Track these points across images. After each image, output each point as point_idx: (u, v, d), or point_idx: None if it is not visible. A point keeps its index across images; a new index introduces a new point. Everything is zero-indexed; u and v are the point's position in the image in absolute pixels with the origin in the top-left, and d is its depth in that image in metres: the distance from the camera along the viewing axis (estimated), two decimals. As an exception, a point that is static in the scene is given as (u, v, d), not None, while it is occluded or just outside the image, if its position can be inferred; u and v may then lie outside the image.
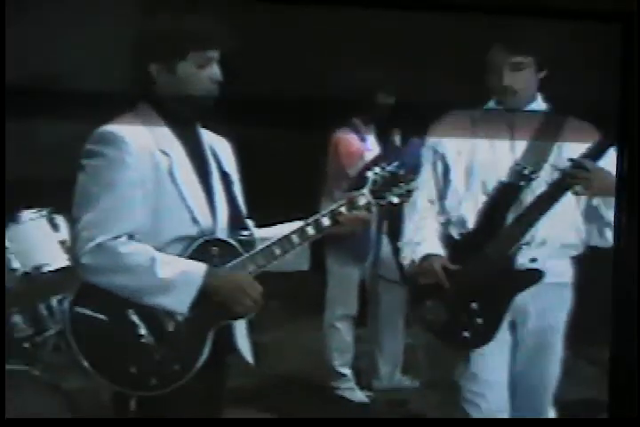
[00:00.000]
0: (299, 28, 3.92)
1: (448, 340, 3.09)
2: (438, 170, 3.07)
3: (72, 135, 2.75)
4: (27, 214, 3.40)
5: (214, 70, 2.53)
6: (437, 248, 3.04)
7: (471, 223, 3.00)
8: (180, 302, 2.42)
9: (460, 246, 3.02)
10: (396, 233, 4.51)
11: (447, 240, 3.06)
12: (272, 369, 4.12)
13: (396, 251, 4.45)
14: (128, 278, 2.40)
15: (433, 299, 3.03)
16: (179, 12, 2.57)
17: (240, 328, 2.58)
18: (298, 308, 4.58)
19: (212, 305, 2.46)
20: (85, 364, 2.42)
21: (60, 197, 3.07)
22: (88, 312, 2.44)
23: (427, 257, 3.01)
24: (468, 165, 3.03)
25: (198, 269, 2.44)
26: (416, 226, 3.07)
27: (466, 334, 3.01)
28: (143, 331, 2.43)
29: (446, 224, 3.06)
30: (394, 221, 4.46)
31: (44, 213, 3.42)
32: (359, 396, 4.41)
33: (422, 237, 3.05)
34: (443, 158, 3.06)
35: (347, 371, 4.45)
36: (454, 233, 3.04)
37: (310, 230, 2.56)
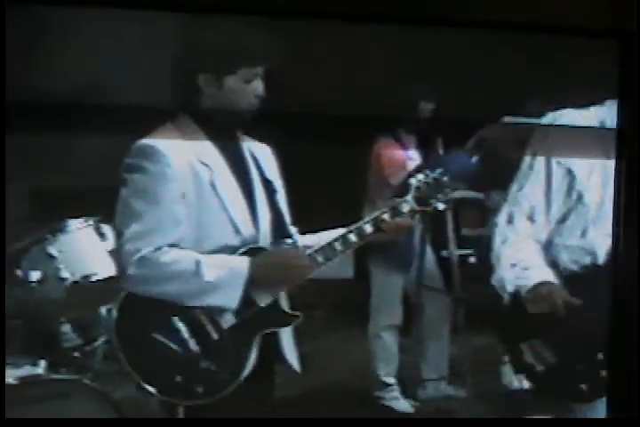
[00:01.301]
0: (341, 40, 3.94)
1: (554, 389, 2.76)
2: (558, 189, 2.82)
3: (118, 144, 2.79)
4: (74, 224, 3.42)
5: (258, 86, 2.58)
6: (550, 276, 2.78)
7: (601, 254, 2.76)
8: (229, 299, 2.46)
9: (578, 279, 2.77)
10: (439, 242, 4.55)
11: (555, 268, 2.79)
12: (316, 379, 4.12)
13: (440, 260, 4.50)
14: (175, 285, 2.46)
15: (540, 337, 2.76)
16: (233, 25, 2.62)
17: (286, 337, 2.61)
18: (342, 318, 4.58)
19: (260, 309, 2.49)
20: (133, 373, 2.47)
21: (106, 206, 3.14)
22: (134, 321, 2.49)
23: (542, 284, 2.75)
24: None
25: (242, 262, 2.48)
26: (516, 247, 2.83)
27: (583, 386, 2.71)
28: (188, 339, 2.47)
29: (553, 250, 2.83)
30: (438, 230, 4.52)
31: (91, 222, 3.43)
32: (404, 406, 4.40)
33: (529, 261, 2.79)
34: (572, 179, 2.80)
35: (391, 380, 4.44)
36: (567, 262, 2.80)
37: (353, 237, 2.59)
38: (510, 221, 2.83)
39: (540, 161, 2.84)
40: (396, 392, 4.45)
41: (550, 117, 2.84)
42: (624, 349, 2.43)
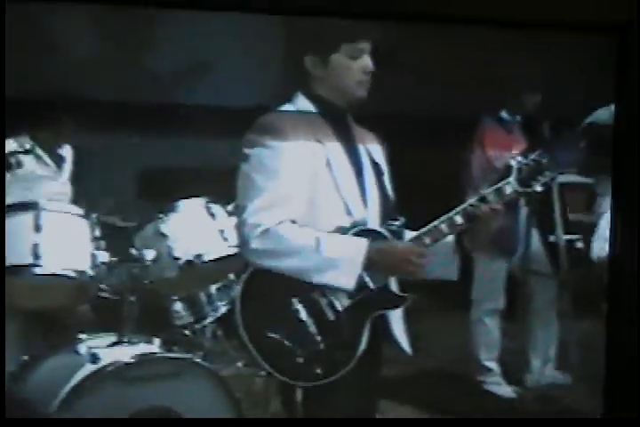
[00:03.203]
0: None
1: None
2: None
3: (228, 125, 2.83)
4: (185, 204, 3.47)
5: (366, 61, 2.57)
6: None
7: None
8: (346, 279, 2.46)
9: None
10: (546, 226, 4.48)
11: None
12: (420, 362, 4.11)
13: (547, 244, 4.43)
14: (296, 260, 2.47)
15: None
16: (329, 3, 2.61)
17: (396, 319, 2.60)
18: (444, 302, 4.56)
19: (371, 291, 2.49)
20: (254, 352, 2.47)
21: (217, 186, 3.18)
22: (256, 301, 2.50)
23: None
24: None
25: (361, 244, 2.49)
26: None
27: None
28: (307, 320, 2.48)
29: None
30: (544, 214, 4.46)
31: (202, 202, 3.47)
32: (506, 391, 4.35)
33: None
34: None
35: (493, 365, 4.41)
36: None
37: (459, 219, 2.56)
38: None
39: None
40: (497, 377, 4.42)
41: None
42: (624, 349, 2.38)
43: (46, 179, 3.68)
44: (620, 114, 2.44)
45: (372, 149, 2.67)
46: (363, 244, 2.48)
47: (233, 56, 4.19)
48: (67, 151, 3.84)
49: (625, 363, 2.36)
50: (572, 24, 2.35)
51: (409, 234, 2.60)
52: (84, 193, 3.59)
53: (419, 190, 3.41)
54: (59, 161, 3.81)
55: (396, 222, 2.60)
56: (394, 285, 2.58)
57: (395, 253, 2.51)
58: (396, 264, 2.51)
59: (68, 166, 3.85)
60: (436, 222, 2.56)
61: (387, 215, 2.61)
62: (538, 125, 4.17)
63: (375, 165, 2.64)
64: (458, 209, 2.57)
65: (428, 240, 2.54)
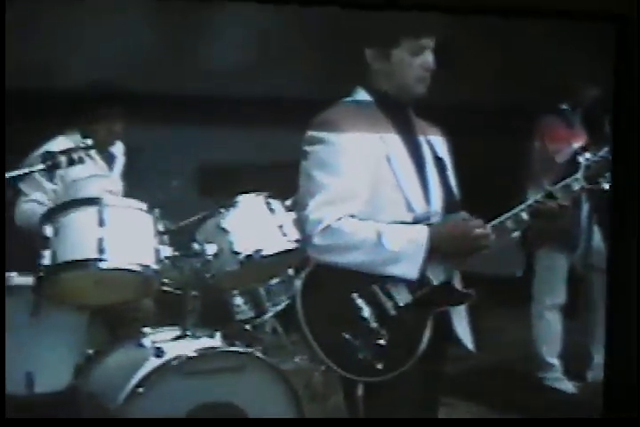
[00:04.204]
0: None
1: None
2: None
3: (287, 120, 2.83)
4: (245, 199, 3.46)
5: (427, 58, 2.54)
6: None
7: None
8: (410, 269, 2.44)
9: None
10: (607, 222, 4.41)
11: None
12: (479, 358, 4.08)
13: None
14: (358, 254, 2.46)
15: None
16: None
17: (459, 316, 2.58)
18: (508, 298, 4.52)
19: (433, 288, 2.46)
20: (315, 347, 2.46)
21: (276, 182, 3.18)
22: (318, 296, 2.49)
23: None
24: None
25: (422, 231, 2.46)
26: None
27: None
28: (368, 315, 2.46)
29: None
30: (605, 210, 4.39)
31: (262, 197, 3.47)
32: (568, 386, 4.31)
33: None
34: None
35: (555, 361, 4.36)
36: None
37: (524, 215, 2.53)
38: None
39: None
40: (559, 373, 4.38)
41: None
42: (624, 349, 2.35)
43: (99, 176, 3.73)
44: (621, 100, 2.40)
45: (435, 144, 2.65)
46: (423, 230, 2.46)
47: (294, 49, 4.19)
48: (118, 148, 3.87)
49: (624, 363, 2.34)
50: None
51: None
52: (145, 189, 3.62)
53: (481, 185, 3.38)
54: (110, 158, 3.83)
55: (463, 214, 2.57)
56: (457, 281, 2.55)
57: (455, 230, 2.48)
58: (461, 241, 2.47)
59: (119, 164, 3.88)
60: (501, 218, 2.53)
61: (450, 211, 2.57)
62: (598, 119, 4.12)
63: (438, 159, 2.62)
64: (523, 205, 2.54)
65: (492, 237, 2.51)
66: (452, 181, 2.65)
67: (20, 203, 3.58)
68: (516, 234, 2.57)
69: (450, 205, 2.59)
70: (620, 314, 2.34)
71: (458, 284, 2.55)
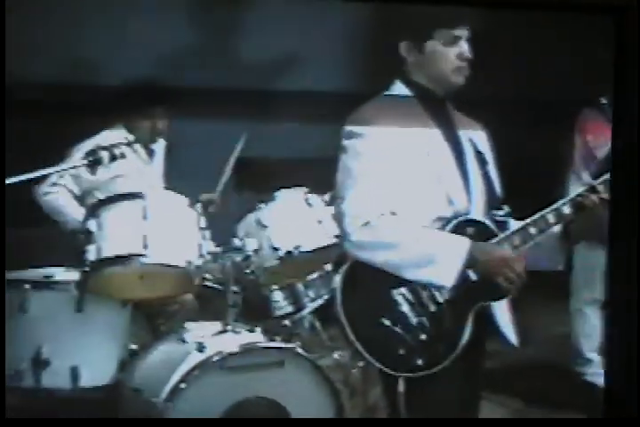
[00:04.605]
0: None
1: None
2: None
3: (325, 114, 2.82)
4: (284, 194, 3.48)
5: (462, 48, 2.52)
6: None
7: None
8: (446, 276, 2.43)
9: None
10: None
11: None
12: (520, 353, 4.06)
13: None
14: (395, 254, 2.44)
15: None
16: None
17: (502, 310, 2.56)
18: (549, 292, 4.49)
19: (474, 283, 2.46)
20: (355, 343, 2.44)
21: (315, 177, 3.18)
22: (357, 292, 2.48)
23: None
24: None
25: (462, 242, 2.45)
26: None
27: None
28: (408, 311, 2.45)
29: None
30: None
31: (300, 192, 3.48)
32: (607, 382, 4.32)
33: None
34: None
35: (594, 356, 4.34)
36: None
37: (566, 209, 2.52)
38: None
39: None
40: (598, 368, 4.34)
41: None
42: (624, 348, 2.29)
43: (141, 171, 3.75)
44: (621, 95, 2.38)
45: (475, 138, 2.62)
46: (465, 242, 2.44)
47: (335, 42, 4.19)
48: (159, 144, 3.88)
49: (624, 363, 2.32)
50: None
51: (514, 224, 2.56)
52: (186, 184, 3.64)
53: (522, 179, 3.37)
54: (151, 154, 3.86)
55: (501, 212, 2.57)
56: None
57: (498, 255, 2.46)
58: (497, 268, 2.45)
59: (160, 159, 3.90)
60: (542, 212, 2.52)
61: (491, 205, 2.56)
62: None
63: (478, 153, 2.59)
64: (565, 199, 2.52)
65: (533, 230, 2.50)
66: (493, 176, 2.62)
67: (45, 185, 3.60)
68: (558, 228, 2.56)
69: (491, 200, 2.57)
70: (620, 314, 2.33)
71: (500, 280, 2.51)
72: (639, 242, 2.24)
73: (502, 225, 2.56)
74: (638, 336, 2.28)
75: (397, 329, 2.44)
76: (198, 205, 3.22)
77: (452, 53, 2.51)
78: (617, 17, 2.25)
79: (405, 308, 2.45)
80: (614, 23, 2.28)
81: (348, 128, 2.52)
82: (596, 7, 2.27)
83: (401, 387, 2.50)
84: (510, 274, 2.44)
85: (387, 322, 2.44)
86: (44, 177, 3.24)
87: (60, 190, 3.62)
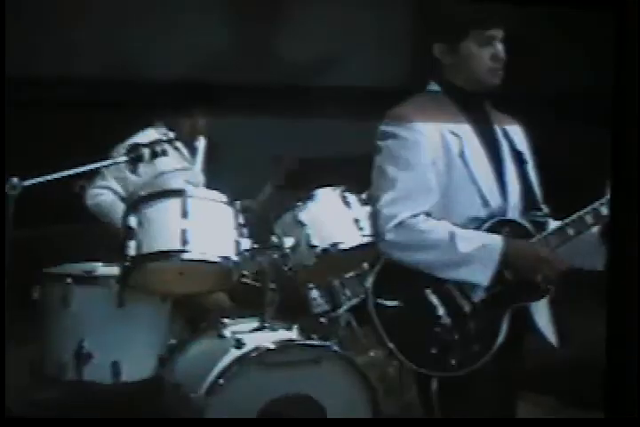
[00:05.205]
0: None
1: None
2: None
3: (362, 114, 2.83)
4: (322, 192, 3.49)
5: (497, 49, 2.52)
6: None
7: None
8: (481, 275, 2.43)
9: None
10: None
11: None
12: (557, 353, 4.05)
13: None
14: (430, 254, 2.45)
15: None
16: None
17: (541, 310, 2.56)
18: (582, 292, 4.46)
19: (510, 283, 2.46)
20: (388, 342, 2.47)
21: (352, 176, 3.18)
22: (390, 290, 2.50)
23: None
24: None
25: (497, 241, 2.45)
26: None
27: None
28: (441, 311, 2.46)
29: None
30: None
31: (338, 191, 3.48)
32: (645, 384, 4.29)
33: None
34: None
35: (632, 358, 4.32)
36: None
37: (604, 210, 2.50)
38: None
39: None
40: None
41: None
42: (624, 348, 2.29)
43: (182, 169, 3.77)
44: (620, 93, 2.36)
45: (514, 137, 2.62)
46: (499, 240, 2.44)
47: (372, 41, 4.19)
48: (200, 141, 3.90)
49: (624, 363, 2.30)
50: None
51: (553, 224, 2.56)
52: (225, 181, 3.67)
53: (561, 179, 3.36)
54: (193, 151, 3.88)
55: (539, 213, 2.57)
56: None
57: (533, 251, 2.47)
58: (533, 265, 2.46)
59: (200, 157, 3.91)
60: (580, 213, 2.50)
61: (529, 206, 2.56)
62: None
63: (517, 153, 2.59)
64: (603, 200, 2.51)
65: (571, 231, 2.49)
66: (532, 176, 2.61)
67: (92, 187, 3.66)
68: (596, 228, 2.54)
69: (528, 200, 2.57)
70: (620, 314, 2.32)
71: (537, 278, 2.52)
72: (639, 242, 2.25)
73: (541, 226, 2.55)
74: (638, 336, 2.29)
75: (430, 329, 2.45)
76: (237, 203, 3.25)
77: (486, 54, 2.51)
78: (617, 12, 2.26)
79: (439, 307, 2.46)
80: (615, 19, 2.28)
81: (383, 128, 2.54)
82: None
83: (434, 386, 2.50)
84: (548, 272, 2.45)
85: (420, 322, 2.46)
86: (86, 173, 3.28)
87: (105, 192, 3.68)
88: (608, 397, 2.34)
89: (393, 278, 2.50)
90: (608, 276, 2.35)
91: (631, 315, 2.26)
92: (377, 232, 2.51)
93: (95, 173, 3.55)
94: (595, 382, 4.05)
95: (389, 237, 2.46)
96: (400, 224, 2.45)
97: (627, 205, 2.27)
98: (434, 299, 2.46)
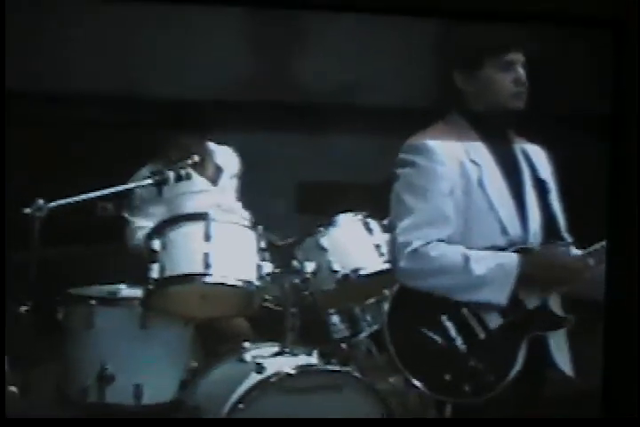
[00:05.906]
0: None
1: None
2: None
3: (386, 143, 2.84)
4: (344, 218, 3.49)
5: (518, 73, 2.53)
6: None
7: None
8: (499, 295, 2.44)
9: None
10: None
11: None
12: (576, 383, 4.02)
13: None
14: (445, 278, 2.47)
15: None
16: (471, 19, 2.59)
17: (559, 340, 2.55)
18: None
19: (529, 312, 2.46)
20: (402, 368, 2.50)
21: (374, 202, 3.19)
22: (405, 317, 2.52)
23: None
24: None
25: (512, 258, 2.46)
26: None
27: None
28: (456, 338, 2.48)
29: None
30: None
31: (360, 217, 3.48)
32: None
33: None
34: None
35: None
36: None
37: None
38: None
39: None
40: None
41: None
42: (623, 348, 2.30)
43: (205, 191, 3.79)
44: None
45: (537, 165, 2.63)
46: (513, 257, 2.45)
47: (397, 63, 4.21)
48: (225, 160, 3.88)
49: (624, 363, 2.29)
50: None
51: (576, 253, 2.56)
52: (248, 205, 3.69)
53: (586, 206, 3.36)
54: (217, 171, 3.87)
55: (561, 242, 2.56)
56: (556, 305, 2.53)
57: (546, 262, 2.47)
58: (557, 272, 2.47)
59: (226, 175, 3.89)
60: (603, 242, 2.50)
61: (551, 235, 2.56)
62: None
63: (540, 181, 2.60)
64: None
65: (592, 261, 2.48)
66: (555, 204, 2.62)
67: (129, 230, 3.67)
68: None
69: (550, 229, 2.57)
70: (620, 314, 2.30)
71: (557, 308, 2.53)
72: (639, 242, 2.25)
73: None
74: (638, 336, 2.29)
75: (444, 355, 2.47)
76: (260, 227, 3.27)
77: (507, 79, 2.52)
78: (617, 30, 2.28)
79: (454, 334, 2.47)
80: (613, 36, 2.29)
81: (401, 156, 2.56)
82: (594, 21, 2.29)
83: (448, 412, 2.52)
84: (568, 274, 2.45)
85: (435, 348, 2.47)
86: (110, 195, 3.31)
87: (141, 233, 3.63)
88: (608, 397, 2.37)
89: (408, 304, 2.52)
90: (608, 276, 2.37)
91: (631, 315, 2.26)
92: (392, 259, 2.54)
93: (120, 196, 3.59)
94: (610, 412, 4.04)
95: (403, 264, 2.48)
96: (414, 252, 2.46)
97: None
98: (449, 325, 2.47)
